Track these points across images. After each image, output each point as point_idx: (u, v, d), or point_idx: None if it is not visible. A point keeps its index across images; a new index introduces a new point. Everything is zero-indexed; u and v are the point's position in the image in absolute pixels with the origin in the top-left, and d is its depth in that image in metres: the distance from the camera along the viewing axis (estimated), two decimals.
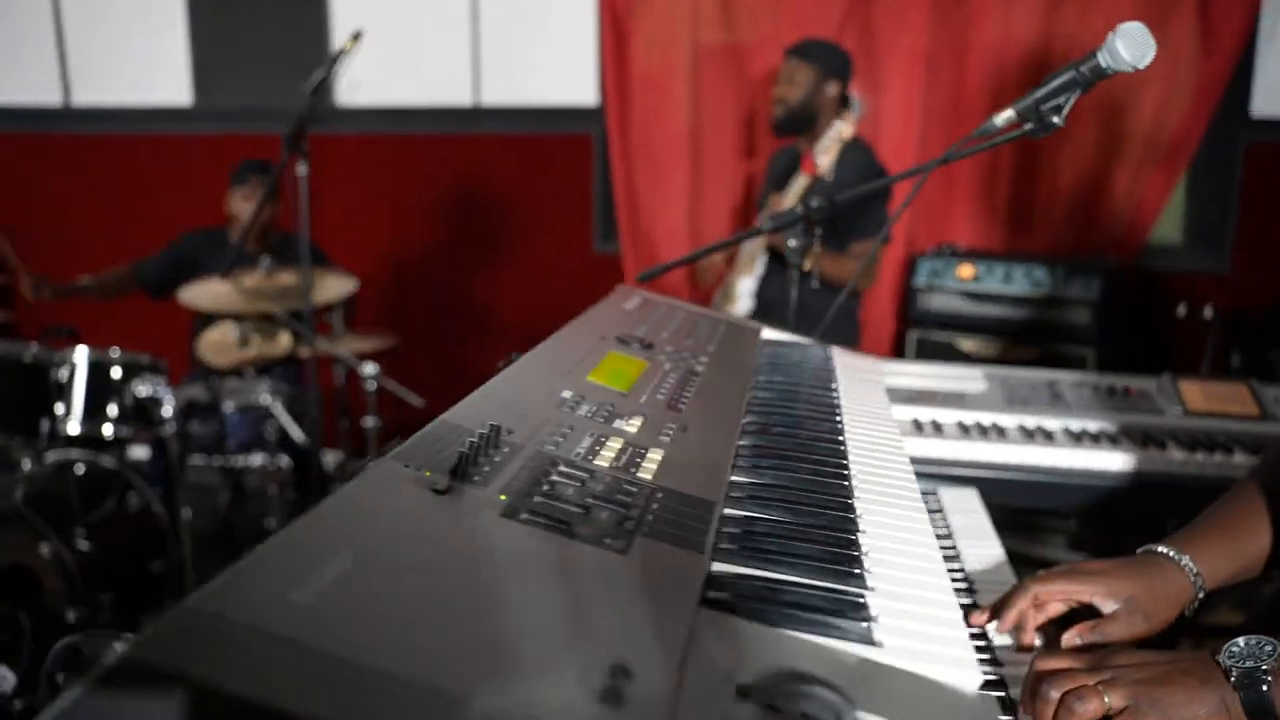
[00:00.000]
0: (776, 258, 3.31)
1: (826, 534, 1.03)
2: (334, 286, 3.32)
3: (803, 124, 3.44)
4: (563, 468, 0.94)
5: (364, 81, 4.61)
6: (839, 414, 1.43)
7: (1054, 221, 4.42)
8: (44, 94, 4.82)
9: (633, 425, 1.12)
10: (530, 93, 4.55)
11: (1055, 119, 1.62)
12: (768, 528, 1.00)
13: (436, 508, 0.80)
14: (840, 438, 1.34)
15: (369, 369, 3.41)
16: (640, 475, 0.99)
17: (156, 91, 4.74)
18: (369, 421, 3.47)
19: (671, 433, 1.13)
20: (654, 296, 1.76)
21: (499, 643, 0.64)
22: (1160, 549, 1.30)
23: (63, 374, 3.36)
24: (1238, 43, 4.17)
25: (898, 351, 4.27)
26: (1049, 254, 4.28)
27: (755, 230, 2.17)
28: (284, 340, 3.53)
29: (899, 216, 1.88)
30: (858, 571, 0.97)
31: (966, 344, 4.03)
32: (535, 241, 4.70)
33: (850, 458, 1.27)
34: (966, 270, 4.01)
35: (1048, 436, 2.26)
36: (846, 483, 1.17)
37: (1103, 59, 1.55)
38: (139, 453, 3.79)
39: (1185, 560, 1.27)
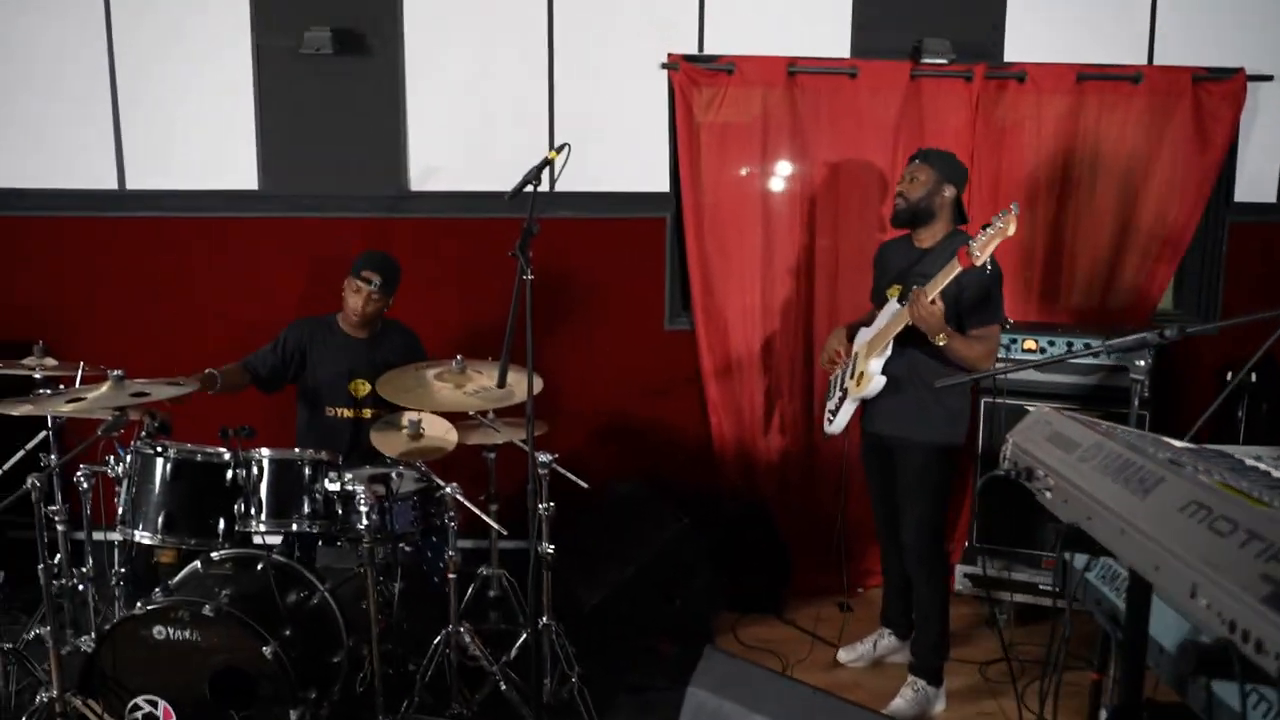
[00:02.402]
0: (903, 339, 3.69)
1: None
2: (525, 384, 3.46)
3: (919, 219, 3.83)
4: None
5: (440, 168, 4.76)
6: None
7: (1076, 297, 4.96)
8: (137, 178, 4.76)
9: None
10: (603, 180, 4.78)
11: None
12: None
13: None
14: None
15: (544, 457, 3.56)
16: None
17: (223, 176, 4.75)
18: (541, 508, 3.59)
19: None
20: (1075, 416, 2.04)
21: None
22: None
23: (245, 473, 3.38)
24: (1227, 138, 4.82)
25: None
26: (1080, 324, 4.82)
27: (1096, 350, 2.50)
28: (451, 435, 3.64)
29: (1257, 359, 2.24)
30: None
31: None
32: (609, 320, 4.91)
33: None
34: (1031, 343, 4.48)
35: None
36: None
37: None
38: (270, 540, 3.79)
39: None
